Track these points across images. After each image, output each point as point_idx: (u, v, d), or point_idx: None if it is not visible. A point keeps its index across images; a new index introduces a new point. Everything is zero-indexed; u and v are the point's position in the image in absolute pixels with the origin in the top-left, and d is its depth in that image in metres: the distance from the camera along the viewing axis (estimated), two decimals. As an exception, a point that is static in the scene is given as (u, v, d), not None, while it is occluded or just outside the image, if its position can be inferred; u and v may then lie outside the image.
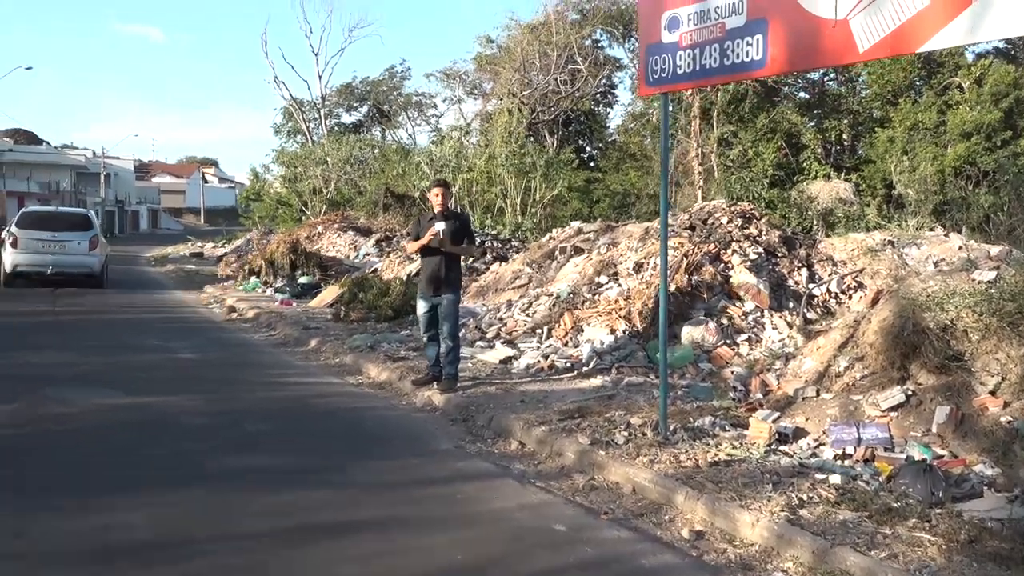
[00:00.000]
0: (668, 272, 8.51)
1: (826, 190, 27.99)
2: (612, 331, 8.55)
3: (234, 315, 12.11)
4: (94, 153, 67.90)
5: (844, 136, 33.33)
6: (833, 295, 9.21)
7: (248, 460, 5.00)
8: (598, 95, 42.62)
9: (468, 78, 45.59)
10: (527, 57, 39.72)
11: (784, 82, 34.70)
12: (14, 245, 14.91)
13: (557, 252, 12.67)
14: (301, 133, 47.18)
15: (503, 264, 13.88)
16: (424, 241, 7.09)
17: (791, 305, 8.95)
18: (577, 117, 42.73)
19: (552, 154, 29.78)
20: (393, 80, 49.80)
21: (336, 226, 23.67)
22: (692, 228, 9.86)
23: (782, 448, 5.65)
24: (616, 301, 8.75)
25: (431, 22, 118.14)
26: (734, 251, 9.27)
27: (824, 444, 5.65)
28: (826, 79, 36.62)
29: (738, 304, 8.76)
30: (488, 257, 14.91)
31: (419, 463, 5.19)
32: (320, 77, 47.06)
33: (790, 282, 9.32)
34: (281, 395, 6.86)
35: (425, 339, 7.30)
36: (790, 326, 8.55)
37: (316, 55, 46.29)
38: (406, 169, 30.77)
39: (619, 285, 9.12)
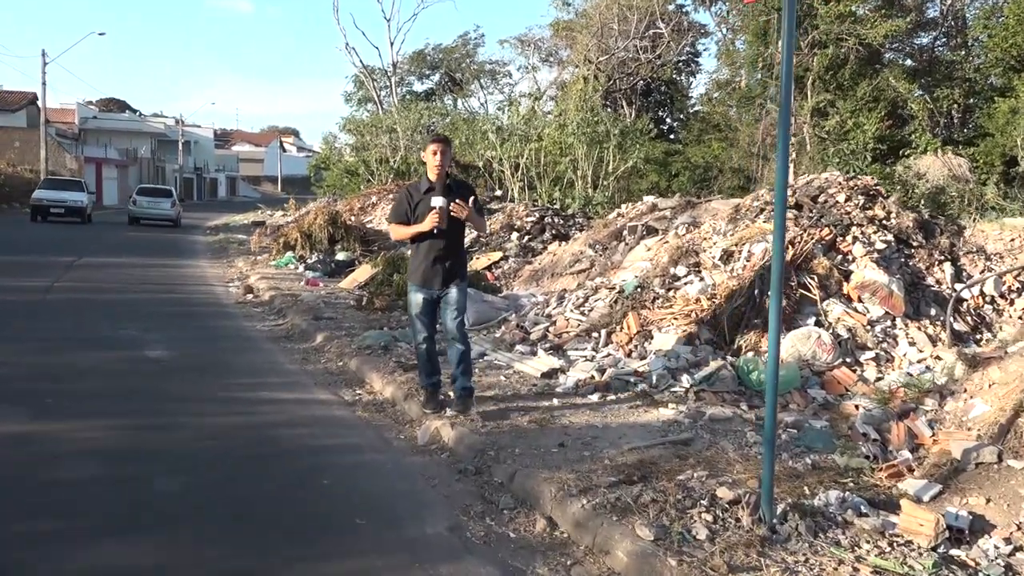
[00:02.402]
0: (765, 264, 6.42)
1: (937, 166, 24.91)
2: (690, 340, 6.55)
3: (249, 296, 10.55)
4: (176, 121, 68.55)
5: (957, 106, 29.84)
6: (988, 299, 6.96)
7: (111, 556, 3.25)
8: (680, 63, 40.03)
9: (544, 45, 43.68)
10: (605, 22, 37.36)
11: (889, 47, 31.45)
12: (134, 203, 28.84)
13: (626, 232, 10.65)
14: (372, 101, 45.95)
15: (563, 244, 11.93)
16: (427, 226, 5.25)
17: (932, 312, 6.75)
18: (657, 86, 40.25)
19: (628, 123, 27.44)
20: (466, 47, 48.25)
21: (391, 196, 22.05)
22: (798, 207, 7.70)
23: (957, 554, 3.63)
24: (697, 300, 6.73)
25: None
26: (855, 238, 7.10)
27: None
28: (936, 43, 33.10)
29: (861, 309, 6.62)
30: (546, 235, 12.97)
31: (392, 565, 3.37)
32: (391, 44, 45.63)
33: (929, 280, 7.11)
34: (238, 422, 5.14)
35: (423, 345, 5.47)
36: (933, 342, 6.37)
37: (388, 21, 44.93)
38: (471, 137, 28.99)
39: (701, 279, 7.07)
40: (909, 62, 32.15)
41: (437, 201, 5.27)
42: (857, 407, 5.53)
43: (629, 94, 38.85)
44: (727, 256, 7.17)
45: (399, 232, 5.51)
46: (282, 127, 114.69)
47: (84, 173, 46.74)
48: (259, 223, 28.18)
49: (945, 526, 3.71)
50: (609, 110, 32.07)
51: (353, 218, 18.25)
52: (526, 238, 12.83)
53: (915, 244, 7.35)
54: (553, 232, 13.03)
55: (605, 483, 4.13)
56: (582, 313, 7.40)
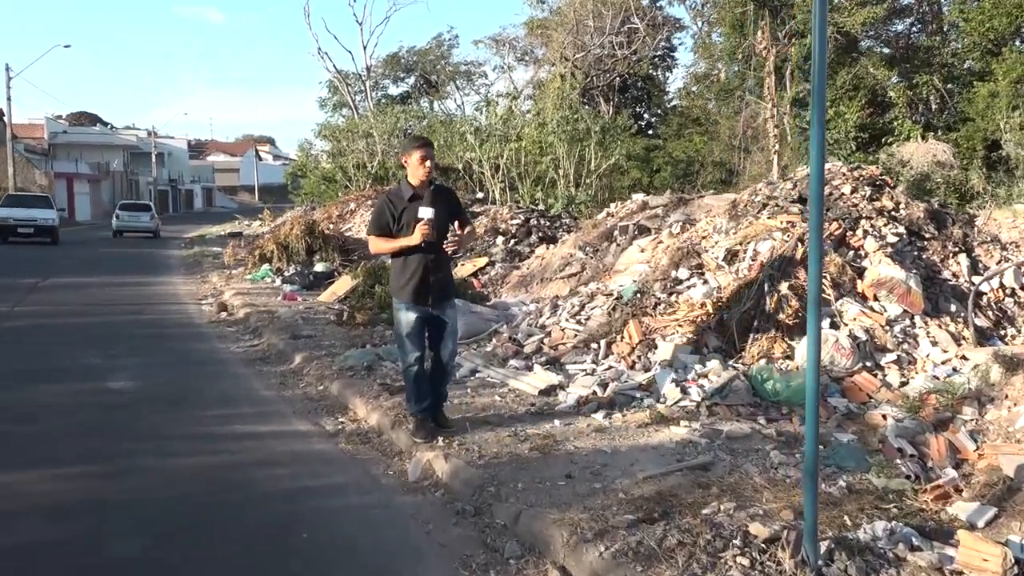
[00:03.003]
0: (773, 264, 5.99)
1: (920, 152, 24.72)
2: (697, 348, 6.09)
3: (223, 314, 9.99)
4: (148, 133, 67.42)
5: (936, 92, 29.69)
6: (1009, 292, 6.55)
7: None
8: (656, 58, 39.75)
9: (518, 44, 43.30)
10: (580, 18, 37.00)
11: (865, 35, 31.29)
12: (117, 217, 30.72)
13: (617, 232, 10.20)
14: (347, 106, 45.29)
15: (551, 247, 11.46)
16: (416, 239, 4.78)
17: (952, 308, 6.34)
18: (634, 82, 39.97)
19: (608, 120, 27.03)
20: (440, 49, 47.77)
21: (370, 202, 21.48)
22: (802, 201, 7.26)
23: (1029, 594, 3.19)
24: (702, 305, 6.27)
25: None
26: (865, 232, 6.67)
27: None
28: (912, 30, 33.01)
29: (877, 308, 6.19)
30: (533, 238, 12.49)
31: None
32: (365, 48, 45.03)
33: (945, 274, 6.69)
34: (207, 463, 4.60)
35: (414, 367, 4.98)
36: (957, 340, 5.95)
37: (360, 24, 44.17)
38: (450, 140, 28.47)
39: (704, 282, 6.62)
40: (886, 49, 32.03)
41: (426, 212, 4.79)
42: (885, 417, 5.09)
43: (606, 91, 38.55)
44: (731, 256, 6.72)
45: (381, 246, 5.00)
46: (257, 135, 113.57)
47: (55, 189, 45.68)
48: (235, 234, 27.49)
49: (1013, 560, 3.26)
50: (588, 107, 31.67)
51: (331, 226, 17.68)
52: (512, 242, 12.35)
53: (927, 236, 6.95)
54: (540, 235, 12.56)
55: (623, 523, 3.65)
56: (578, 322, 6.93)
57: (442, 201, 4.93)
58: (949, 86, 30.37)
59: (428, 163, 4.88)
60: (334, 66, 43.83)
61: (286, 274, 12.78)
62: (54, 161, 51.34)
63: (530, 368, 6.44)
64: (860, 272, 6.35)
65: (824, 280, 6.14)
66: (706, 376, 5.81)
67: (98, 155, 57.84)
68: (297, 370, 7.01)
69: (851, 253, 6.49)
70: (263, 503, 4.05)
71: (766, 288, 6.02)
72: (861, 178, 7.37)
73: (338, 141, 37.30)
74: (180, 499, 4.07)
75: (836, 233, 6.57)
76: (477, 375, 6.50)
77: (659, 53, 40.13)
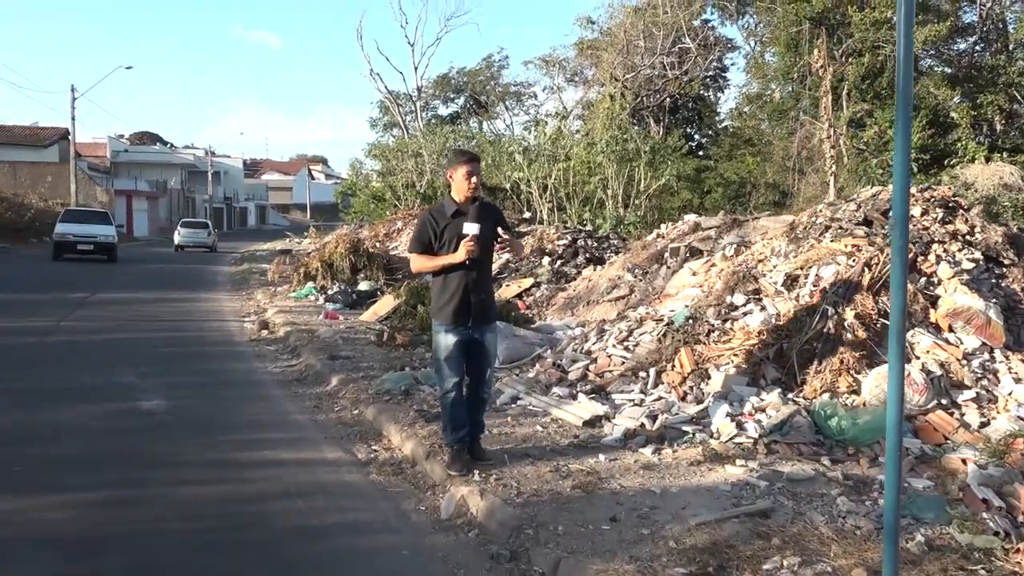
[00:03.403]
0: (837, 290, 5.57)
1: (986, 174, 23.71)
2: (754, 379, 5.68)
3: (264, 333, 9.86)
4: (205, 152, 69.10)
5: (1002, 112, 28.58)
6: (1099, 324, 5.99)
7: None
8: (707, 79, 39.26)
9: (568, 64, 43.28)
10: (631, 39, 36.76)
11: (926, 53, 30.35)
12: (178, 234, 34.32)
13: (667, 254, 9.82)
14: (397, 126, 45.73)
15: (598, 268, 11.11)
16: (460, 256, 4.53)
17: (1036, 341, 5.81)
18: (685, 103, 39.53)
19: (659, 140, 26.62)
20: (491, 70, 48.01)
21: (416, 220, 21.43)
22: (867, 223, 6.81)
23: None
24: (760, 333, 5.86)
25: (529, 8, 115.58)
26: (938, 257, 6.19)
27: None
28: (976, 49, 31.92)
29: (953, 340, 5.70)
30: (580, 259, 12.15)
31: None
32: (416, 69, 45.50)
33: (1027, 304, 6.16)
34: (228, 493, 4.36)
35: (452, 393, 4.69)
36: (1044, 377, 5.43)
37: (412, 46, 44.59)
38: (498, 159, 28.39)
39: (762, 308, 6.20)
40: (948, 69, 31.00)
41: (471, 228, 4.54)
42: (965, 462, 4.61)
43: (656, 111, 38.19)
44: (791, 281, 6.30)
45: (423, 264, 4.76)
46: (311, 155, 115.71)
47: (115, 206, 46.96)
48: (285, 251, 27.74)
49: None
50: (637, 128, 31.34)
51: (377, 245, 17.60)
52: (558, 263, 12.03)
53: (1006, 262, 6.42)
54: (587, 256, 12.22)
55: (675, 573, 3.28)
56: (626, 349, 6.56)
57: (488, 218, 4.68)
58: (1015, 106, 29.27)
59: (474, 179, 4.64)
60: (385, 87, 44.31)
61: (329, 292, 12.66)
62: (115, 179, 52.84)
63: (574, 396, 6.09)
64: (933, 301, 5.87)
65: (894, 309, 5.68)
66: (764, 410, 5.39)
67: (157, 173, 59.45)
68: (333, 393, 6.78)
69: (923, 280, 6.02)
70: (284, 541, 3.78)
71: (830, 316, 5.58)
72: (932, 199, 6.89)
73: (388, 160, 37.67)
74: (195, 534, 3.82)
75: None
76: (518, 403, 6.18)
77: (710, 73, 39.66)
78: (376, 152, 40.17)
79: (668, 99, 37.72)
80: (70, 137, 41.47)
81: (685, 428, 5.32)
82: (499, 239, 4.66)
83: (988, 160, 24.88)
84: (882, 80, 28.22)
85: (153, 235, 50.44)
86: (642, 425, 5.43)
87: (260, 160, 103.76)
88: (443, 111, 48.27)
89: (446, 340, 4.68)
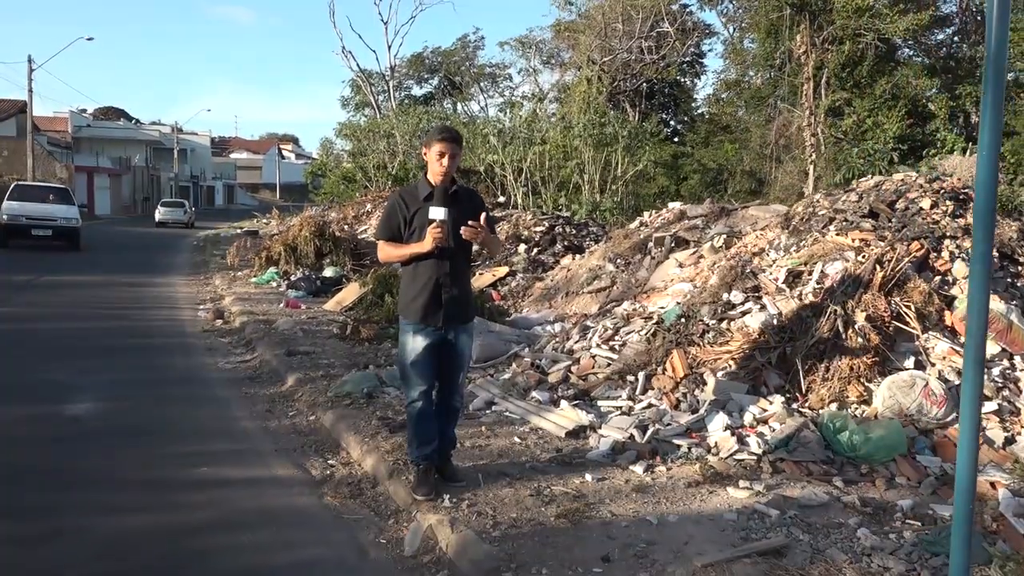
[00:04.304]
0: (846, 289, 5.05)
1: (965, 166, 23.51)
2: (755, 386, 5.15)
3: (218, 322, 9.14)
4: (172, 128, 67.26)
5: (980, 104, 28.43)
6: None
7: None
8: (684, 64, 38.76)
9: (545, 47, 42.55)
10: (609, 21, 36.13)
11: (904, 44, 30.12)
12: (159, 211, 38.01)
13: (652, 244, 9.27)
14: (369, 106, 44.74)
15: (577, 257, 10.54)
16: (427, 245, 3.92)
17: (1059, 347, 5.33)
18: (661, 88, 39.04)
19: (636, 125, 26.10)
20: (466, 50, 47.15)
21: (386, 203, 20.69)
22: (873, 216, 6.30)
23: None
24: (761, 335, 5.31)
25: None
26: (952, 254, 5.69)
27: None
28: (954, 40, 31.77)
29: (971, 345, 5.20)
30: (558, 247, 11.57)
31: None
32: (389, 47, 44.59)
33: (1046, 306, 5.68)
34: (156, 524, 3.72)
35: (419, 403, 4.10)
36: (1070, 388, 4.95)
37: (385, 24, 43.56)
38: (472, 141, 27.71)
39: (762, 307, 5.66)
40: (925, 59, 30.78)
41: (437, 213, 3.92)
42: (994, 485, 4.13)
43: (633, 96, 37.66)
44: (793, 278, 5.76)
45: (390, 253, 4.12)
46: (281, 134, 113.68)
47: (75, 182, 45.40)
48: (252, 233, 26.79)
49: None
50: (614, 112, 30.79)
51: (346, 227, 16.86)
52: (535, 250, 11.43)
53: (1023, 259, 5.94)
54: (565, 243, 11.64)
55: (683, 643, 2.73)
56: (612, 349, 6.00)
57: (463, 204, 4.06)
58: (993, 98, 29.14)
59: (445, 160, 4.01)
60: (358, 65, 43.30)
61: (292, 278, 11.95)
62: (76, 155, 51.12)
63: (556, 402, 5.52)
64: (948, 302, 5.37)
65: (908, 310, 5.18)
66: (766, 422, 4.87)
67: (121, 149, 57.72)
68: (288, 394, 6.13)
69: (937, 279, 5.52)
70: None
71: (838, 318, 5.06)
72: (942, 191, 6.39)
73: (359, 141, 36.82)
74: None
75: (918, 254, 5.60)
76: (493, 408, 5.60)
77: (688, 59, 39.18)
78: (347, 132, 39.23)
79: (645, 84, 37.23)
80: (27, 110, 39.86)
81: (679, 441, 4.78)
82: (468, 225, 3.96)
83: (966, 151, 24.70)
84: (862, 68, 27.94)
85: (116, 214, 48.94)
86: (631, 437, 4.88)
87: (229, 138, 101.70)
88: (417, 91, 47.36)
89: (414, 342, 4.07)
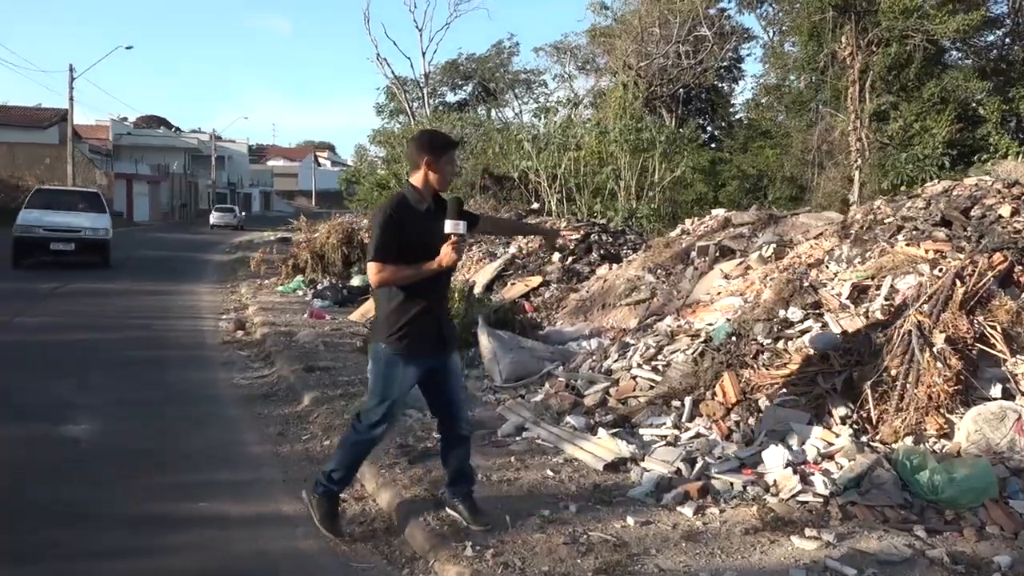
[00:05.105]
0: (926, 308, 4.46)
1: (1020, 171, 22.46)
2: (818, 416, 4.59)
3: (239, 333, 8.78)
4: (209, 137, 68.06)
5: (1037, 106, 27.27)
6: None
7: None
8: (722, 69, 38.01)
9: (580, 52, 42.07)
10: (645, 26, 35.53)
11: (953, 46, 29.07)
12: (212, 215, 45.40)
13: (694, 253, 8.71)
14: (404, 113, 44.65)
15: (614, 267, 10.01)
16: (446, 260, 3.45)
17: None
18: (698, 94, 38.31)
19: (673, 130, 25.47)
20: (500, 56, 46.88)
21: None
22: (946, 224, 5.69)
23: None
24: (824, 357, 4.75)
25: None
26: (1040, 267, 5.07)
27: None
28: (1005, 41, 30.60)
29: (1066, 372, 4.58)
30: (594, 256, 11.05)
31: None
32: (424, 54, 44.37)
33: None
34: (137, 570, 3.29)
35: (381, 433, 3.72)
36: None
37: (420, 31, 43.36)
38: (506, 147, 27.29)
39: (823, 325, 5.09)
40: (976, 62, 29.66)
41: (458, 227, 3.46)
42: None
43: (669, 102, 36.96)
44: (858, 293, 5.18)
45: (398, 275, 3.49)
46: (318, 142, 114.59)
47: (114, 189, 45.95)
48: (285, 239, 26.64)
49: None
50: (651, 117, 30.17)
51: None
52: (570, 259, 10.92)
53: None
54: (601, 252, 11.11)
55: None
56: (654, 370, 5.47)
57: (462, 215, 3.64)
58: (1050, 101, 28.04)
59: (446, 170, 3.63)
60: (392, 72, 43.19)
61: (319, 287, 11.58)
62: (116, 162, 51.85)
63: (593, 429, 5.01)
64: (1039, 322, 4.75)
65: (992, 330, 4.57)
66: (832, 457, 4.31)
67: (160, 157, 58.47)
68: (304, 415, 5.70)
69: (1022, 295, 4.90)
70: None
71: (914, 340, 4.48)
72: (1023, 197, 5.76)
73: (393, 148, 36.69)
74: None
75: (1001, 268, 4.99)
76: (525, 435, 5.10)
77: (725, 63, 38.42)
78: (381, 139, 39.15)
79: (681, 89, 36.53)
80: (68, 117, 40.43)
81: (732, 478, 4.23)
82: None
83: (1020, 156, 23.65)
84: (909, 71, 26.97)
85: (154, 220, 49.45)
86: (678, 471, 4.35)
87: (266, 146, 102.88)
88: (451, 98, 47.18)
89: (405, 375, 3.59)
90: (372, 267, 3.47)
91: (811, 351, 4.83)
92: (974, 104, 26.62)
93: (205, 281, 14.85)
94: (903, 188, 21.14)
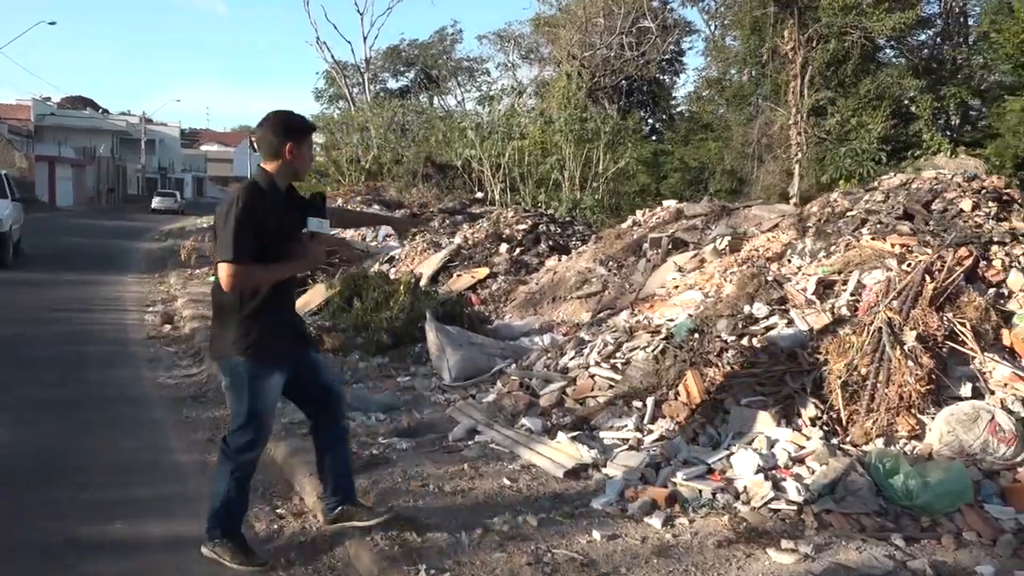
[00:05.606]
0: (896, 304, 4.30)
1: (951, 168, 23.07)
2: (787, 417, 4.38)
3: (167, 328, 8.21)
4: (139, 119, 65.48)
5: (968, 105, 28.14)
6: None
7: None
8: (664, 62, 38.18)
9: (524, 41, 41.75)
10: (590, 16, 35.40)
11: (887, 44, 29.76)
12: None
13: (647, 245, 8.50)
14: (343, 99, 43.68)
15: (563, 258, 9.74)
16: (316, 260, 3.37)
17: None
18: (640, 86, 38.44)
19: (618, 122, 25.41)
20: (443, 43, 46.22)
21: (359, 199, 19.79)
22: (908, 217, 5.57)
23: None
24: (792, 356, 4.54)
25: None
26: (1004, 264, 4.97)
27: None
28: (936, 41, 31.49)
29: (1033, 369, 4.48)
30: (542, 247, 10.76)
31: None
32: (365, 39, 43.44)
33: (1108, 323, 4.97)
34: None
35: (255, 458, 3.39)
36: None
37: (361, 14, 42.50)
38: (449, 135, 26.84)
39: (789, 322, 4.89)
40: (907, 60, 30.44)
41: (323, 226, 3.22)
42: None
43: (612, 93, 36.97)
44: (824, 288, 5.01)
45: (260, 277, 3.11)
46: (254, 126, 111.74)
47: (35, 172, 43.74)
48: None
49: None
50: (595, 108, 30.08)
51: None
52: (518, 250, 10.62)
53: (1078, 270, 5.23)
54: (549, 243, 10.83)
55: None
56: (614, 368, 5.20)
57: (321, 208, 3.35)
58: (974, 100, 28.95)
59: (304, 155, 3.29)
60: (332, 56, 42.17)
61: (254, 278, 10.99)
62: (37, 144, 49.35)
63: (550, 431, 4.71)
64: (1006, 318, 4.64)
65: (962, 328, 4.43)
66: (803, 461, 4.11)
67: (85, 139, 55.94)
68: (236, 418, 5.24)
69: (991, 291, 4.79)
70: None
71: (884, 337, 4.30)
72: (983, 191, 5.68)
73: (332, 134, 35.85)
74: None
75: (967, 263, 4.87)
76: (478, 438, 4.78)
77: (667, 56, 38.61)
78: (320, 125, 38.21)
79: (624, 81, 36.56)
80: (-16, 97, 38.26)
81: (701, 485, 3.99)
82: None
83: (953, 153, 24.33)
84: (846, 68, 27.48)
85: (79, 205, 47.26)
86: (643, 478, 4.09)
87: (199, 130, 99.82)
88: (392, 84, 46.36)
89: (272, 384, 3.23)
90: (227, 269, 3.01)
91: (778, 349, 4.63)
92: (907, 101, 27.31)
93: (132, 271, 14.04)
94: (841, 182, 21.51)
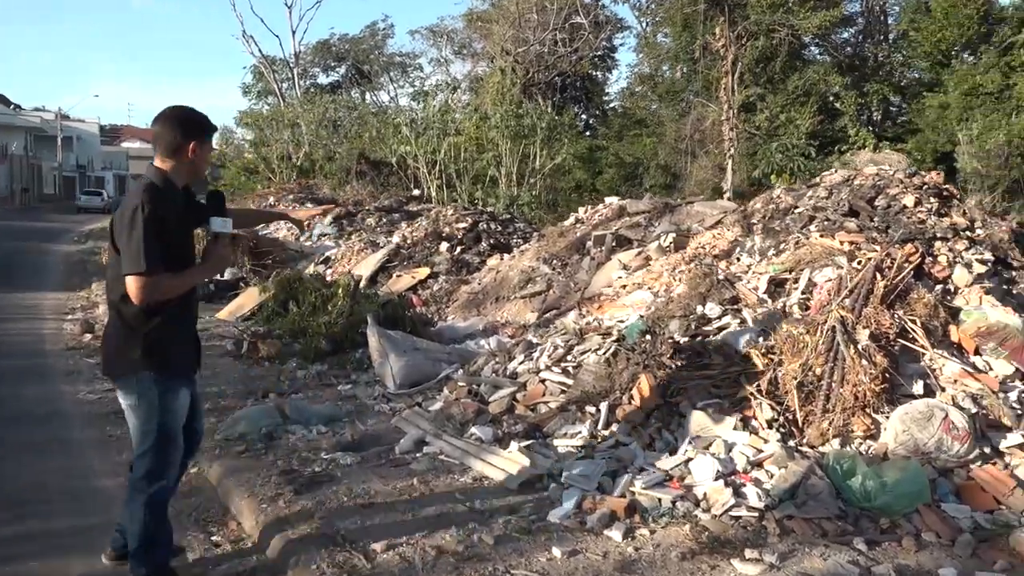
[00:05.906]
0: (849, 299, 4.27)
1: (876, 162, 23.86)
2: (744, 419, 4.30)
3: (87, 337, 7.71)
4: (55, 115, 62.60)
5: (889, 101, 29.12)
6: None
7: None
8: (597, 58, 38.42)
9: (457, 36, 41.47)
10: (523, 11, 35.33)
11: (812, 41, 30.56)
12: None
13: (591, 243, 8.39)
14: (272, 94, 42.65)
15: (505, 257, 9.57)
16: (229, 259, 3.08)
17: (1071, 365, 4.69)
18: (574, 82, 38.61)
19: (554, 118, 25.41)
20: (375, 38, 45.59)
21: (292, 197, 19.25)
22: (853, 214, 5.57)
23: None
24: (746, 357, 4.46)
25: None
26: (949, 260, 5.00)
27: None
28: (858, 39, 32.49)
29: (981, 366, 4.51)
30: (483, 246, 10.57)
31: None
32: (294, 33, 42.52)
33: (1047, 316, 5.06)
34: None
35: (174, 486, 3.27)
36: (1096, 414, 4.30)
37: (289, 8, 41.41)
38: (383, 132, 26.41)
39: (741, 322, 4.82)
40: (832, 57, 31.31)
41: (227, 226, 3.02)
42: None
43: (546, 89, 37.00)
44: (775, 286, 4.95)
45: (174, 284, 2.91)
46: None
47: (-58, 172, 41.39)
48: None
49: None
50: (530, 104, 30.03)
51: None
52: (458, 249, 10.40)
53: (1016, 264, 5.33)
54: (491, 241, 10.64)
55: None
56: (565, 372, 5.05)
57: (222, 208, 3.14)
58: (895, 97, 29.99)
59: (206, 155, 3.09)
60: (260, 50, 41.16)
61: (182, 281, 10.48)
62: (-60, 142, 46.75)
63: (501, 440, 4.53)
64: (953, 314, 4.66)
65: (914, 325, 4.43)
66: (761, 465, 4.03)
67: (-3, 136, 53.22)
68: (165, 435, 4.90)
69: (938, 287, 4.81)
70: None
71: (838, 336, 4.26)
72: (925, 187, 5.73)
73: (261, 130, 34.96)
74: None
75: (913, 259, 4.88)
76: (426, 449, 4.56)
77: (600, 52, 38.86)
78: (248, 120, 37.20)
79: (558, 77, 36.66)
80: None
81: (659, 494, 3.86)
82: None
83: (877, 148, 25.09)
84: (775, 64, 28.09)
85: (-12, 207, 44.88)
86: (600, 488, 3.95)
87: (120, 126, 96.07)
88: (323, 80, 45.50)
89: (180, 399, 3.03)
90: (138, 282, 2.77)
91: (732, 350, 4.55)
92: (832, 98, 28.06)
93: (49, 275, 13.25)
94: (772, 177, 21.94)
